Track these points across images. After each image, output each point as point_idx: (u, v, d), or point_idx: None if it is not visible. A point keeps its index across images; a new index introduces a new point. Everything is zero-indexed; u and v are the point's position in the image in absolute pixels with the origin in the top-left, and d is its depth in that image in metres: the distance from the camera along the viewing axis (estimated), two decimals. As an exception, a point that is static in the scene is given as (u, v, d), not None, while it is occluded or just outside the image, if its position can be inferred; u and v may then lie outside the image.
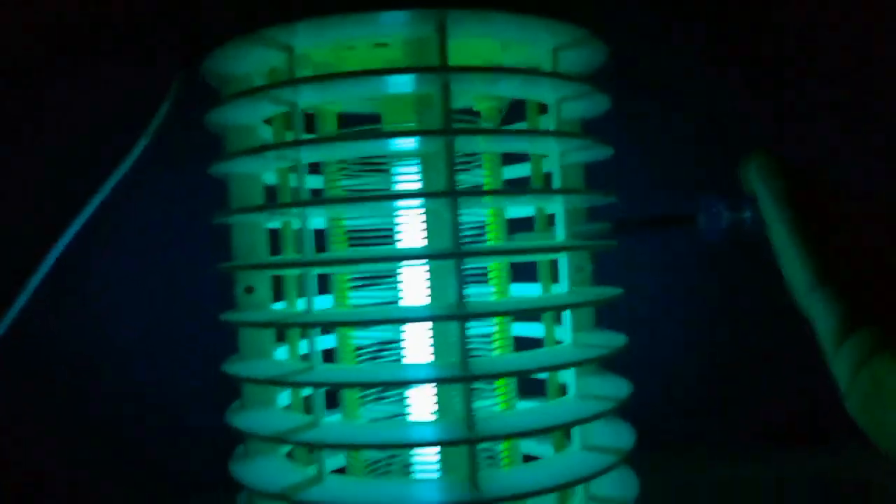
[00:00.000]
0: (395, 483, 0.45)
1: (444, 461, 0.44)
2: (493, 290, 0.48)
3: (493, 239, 0.48)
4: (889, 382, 0.31)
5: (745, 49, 0.70)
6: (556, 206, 0.46)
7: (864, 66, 0.69)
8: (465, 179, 0.47)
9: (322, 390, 0.43)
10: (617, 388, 0.46)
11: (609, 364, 0.49)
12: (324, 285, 0.47)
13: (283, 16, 0.40)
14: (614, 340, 0.46)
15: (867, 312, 0.33)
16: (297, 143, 0.42)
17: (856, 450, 0.56)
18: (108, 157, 0.55)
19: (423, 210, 0.44)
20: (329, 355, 0.48)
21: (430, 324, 0.44)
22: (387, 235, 0.46)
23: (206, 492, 0.61)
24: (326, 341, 0.48)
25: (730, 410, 0.72)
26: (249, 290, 0.47)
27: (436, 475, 0.44)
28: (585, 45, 0.44)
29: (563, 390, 0.47)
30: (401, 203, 0.45)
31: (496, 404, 0.48)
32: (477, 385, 0.42)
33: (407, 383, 0.45)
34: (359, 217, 0.47)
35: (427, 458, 0.45)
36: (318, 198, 0.47)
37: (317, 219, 0.47)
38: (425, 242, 0.43)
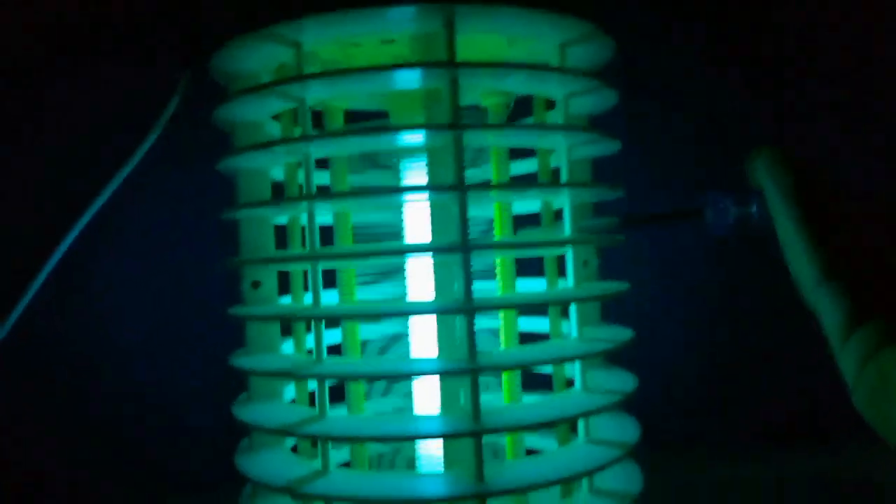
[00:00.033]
0: (401, 476, 0.45)
1: (449, 454, 0.44)
2: (500, 284, 0.48)
3: (499, 235, 0.48)
4: None
5: (745, 49, 0.71)
6: (563, 201, 0.46)
7: (864, 66, 0.69)
8: (472, 175, 0.47)
9: (328, 384, 0.43)
10: (623, 381, 0.46)
11: (613, 359, 0.49)
12: (329, 283, 0.47)
13: (290, 12, 0.40)
14: (620, 334, 0.46)
15: (874, 307, 0.33)
16: (306, 139, 0.42)
17: (856, 449, 0.57)
18: (108, 158, 0.55)
19: (429, 206, 0.44)
20: (335, 352, 0.48)
21: (436, 318, 0.44)
22: (393, 233, 0.46)
23: (207, 492, 0.61)
24: (332, 336, 0.48)
25: (730, 410, 0.72)
26: (256, 284, 0.47)
27: (441, 469, 0.44)
28: (593, 40, 0.44)
29: (568, 385, 0.47)
30: (408, 198, 0.45)
31: (501, 398, 0.48)
32: (482, 379, 0.42)
33: (414, 375, 0.45)
34: (366, 212, 0.47)
35: (432, 452, 0.45)
36: (327, 192, 0.47)
37: (324, 215, 0.47)
38: (431, 239, 0.43)
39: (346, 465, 0.49)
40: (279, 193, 0.48)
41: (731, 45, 0.71)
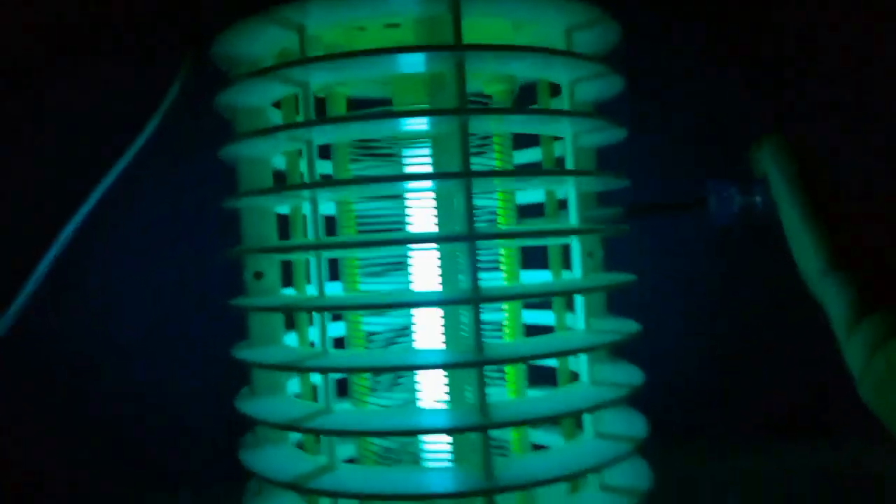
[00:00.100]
0: (408, 471, 0.45)
1: (457, 449, 0.43)
2: (504, 276, 0.48)
3: (503, 224, 0.48)
4: None
5: (745, 49, 0.70)
6: (568, 190, 0.46)
7: (864, 66, 0.69)
8: (477, 163, 0.46)
9: (333, 377, 0.43)
10: (630, 375, 0.46)
11: (617, 352, 0.49)
12: (333, 275, 0.47)
13: None
14: (627, 326, 0.46)
15: (881, 296, 0.33)
16: (309, 124, 0.41)
17: (859, 441, 0.57)
18: (108, 158, 0.55)
19: (433, 195, 0.43)
20: (339, 345, 0.48)
21: (441, 310, 0.44)
22: (397, 223, 0.46)
23: (207, 491, 0.61)
24: (336, 329, 0.48)
25: (732, 402, 0.72)
26: (259, 275, 0.47)
27: (448, 463, 0.44)
28: (599, 25, 0.44)
29: (574, 378, 0.47)
30: (412, 185, 0.44)
31: (507, 392, 0.47)
32: (488, 372, 0.41)
33: (421, 368, 0.44)
34: (370, 200, 0.47)
35: (439, 447, 0.45)
36: (329, 179, 0.47)
37: (327, 204, 0.47)
38: (436, 228, 0.43)
39: (352, 460, 0.49)
40: (281, 182, 0.48)
41: (731, 45, 0.70)
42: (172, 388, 0.65)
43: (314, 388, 0.47)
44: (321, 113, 0.46)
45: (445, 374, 0.43)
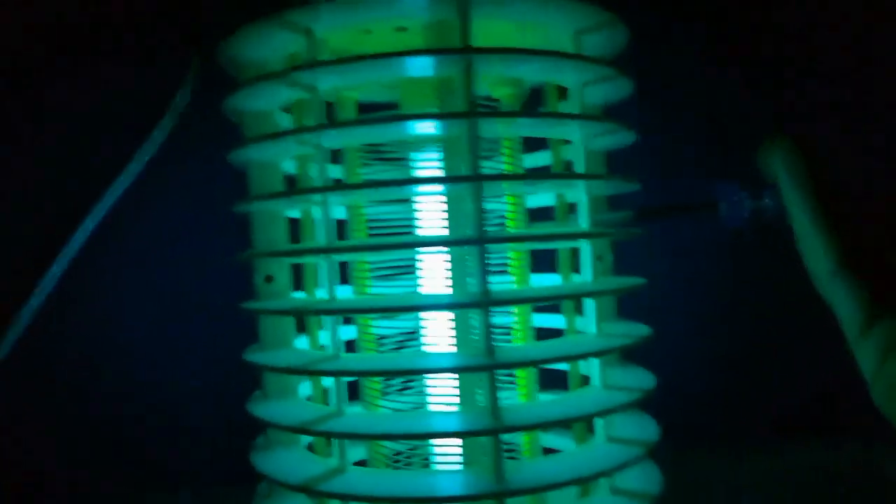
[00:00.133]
0: (419, 475, 0.45)
1: (467, 452, 0.43)
2: (513, 279, 0.48)
3: (513, 228, 0.48)
4: None
5: (745, 49, 0.71)
6: (578, 194, 0.46)
7: (864, 66, 0.69)
8: (486, 167, 0.46)
9: (345, 380, 0.43)
10: (641, 379, 0.46)
11: (627, 355, 0.49)
12: (343, 278, 0.47)
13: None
14: (638, 330, 0.46)
15: (893, 299, 0.33)
16: (319, 128, 0.41)
17: (870, 443, 0.57)
18: (108, 158, 0.56)
19: (444, 198, 0.43)
20: (349, 347, 0.48)
21: (452, 313, 0.44)
22: (406, 226, 0.46)
23: (207, 491, 0.61)
24: (347, 332, 0.48)
25: (742, 403, 0.72)
26: (269, 279, 0.47)
27: (458, 467, 0.44)
28: (608, 28, 0.44)
29: (585, 382, 0.47)
30: (422, 189, 0.44)
31: (518, 395, 0.48)
32: (499, 375, 0.41)
33: (432, 371, 0.44)
34: (379, 204, 0.47)
35: (449, 450, 0.45)
36: (340, 183, 0.47)
37: (337, 208, 0.47)
38: (446, 232, 0.43)
39: (362, 462, 0.49)
40: (292, 187, 0.48)
41: (731, 45, 0.70)
42: (172, 388, 0.65)
43: (325, 391, 0.48)
44: (331, 118, 0.47)
45: (456, 377, 0.43)
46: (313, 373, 0.45)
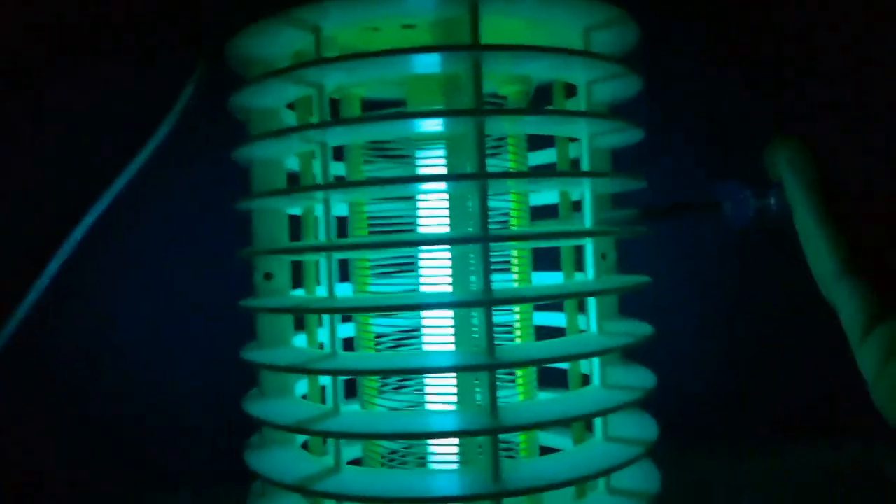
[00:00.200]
0: (415, 474, 0.44)
1: (464, 451, 0.43)
2: (515, 278, 0.48)
3: (516, 226, 0.48)
4: None
5: (745, 49, 0.71)
6: (584, 191, 0.45)
7: (864, 66, 0.69)
8: (491, 165, 0.46)
9: (341, 379, 0.43)
10: (641, 378, 0.46)
11: (630, 354, 0.49)
12: (342, 276, 0.47)
13: None
14: (640, 329, 0.46)
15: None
16: (323, 125, 0.41)
17: (875, 444, 0.57)
18: (108, 158, 0.55)
19: (446, 196, 0.43)
20: (348, 346, 0.47)
21: (452, 311, 0.43)
22: (408, 223, 0.46)
23: (207, 491, 0.61)
24: (345, 330, 0.48)
25: (747, 404, 0.72)
26: (269, 276, 0.47)
27: (455, 466, 0.44)
28: (617, 25, 0.44)
29: (584, 381, 0.47)
30: (426, 186, 0.44)
31: (517, 394, 0.47)
32: (498, 374, 0.41)
33: (432, 371, 0.44)
34: (381, 202, 0.47)
35: (446, 449, 0.45)
36: (343, 180, 0.47)
37: (339, 205, 0.47)
38: (447, 229, 0.43)
39: (358, 461, 0.48)
40: (294, 184, 0.48)
41: (731, 45, 0.70)
42: (172, 388, 0.65)
43: (323, 389, 0.47)
44: (335, 114, 0.46)
45: (455, 376, 0.43)
46: (310, 371, 0.45)
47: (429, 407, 0.46)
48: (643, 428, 0.46)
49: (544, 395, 0.49)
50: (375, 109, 0.48)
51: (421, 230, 0.46)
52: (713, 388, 0.70)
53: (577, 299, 0.48)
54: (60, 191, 0.60)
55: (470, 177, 0.40)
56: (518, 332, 0.47)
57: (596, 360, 0.46)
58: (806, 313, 0.36)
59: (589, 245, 0.46)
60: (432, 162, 0.45)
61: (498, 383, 0.41)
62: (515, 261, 0.48)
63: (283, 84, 0.42)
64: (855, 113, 0.69)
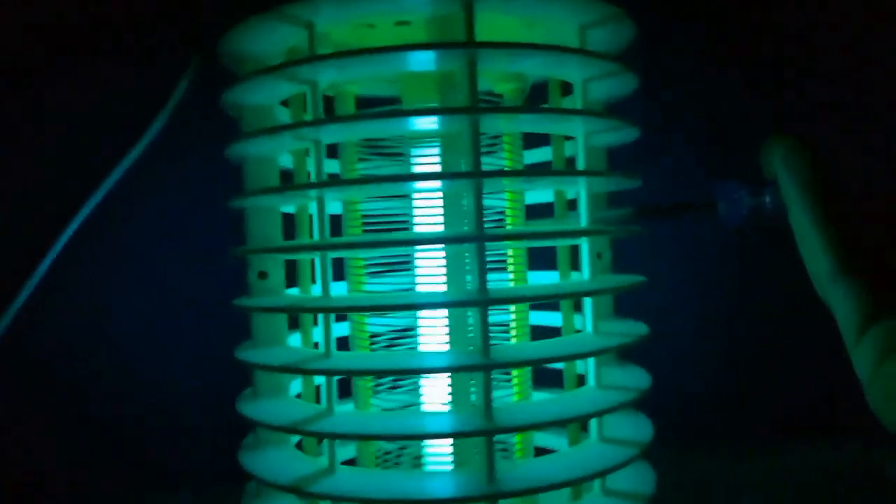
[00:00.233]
0: (410, 475, 0.44)
1: (459, 453, 0.43)
2: (511, 277, 0.48)
3: (511, 225, 0.47)
4: None
5: (745, 49, 0.70)
6: (580, 190, 0.45)
7: (864, 66, 0.69)
8: (486, 163, 0.46)
9: (335, 379, 0.43)
10: (637, 378, 0.46)
11: (627, 354, 0.49)
12: (337, 274, 0.47)
13: None
14: (636, 329, 0.46)
15: (892, 302, 0.33)
16: (317, 123, 0.41)
17: (875, 443, 0.57)
18: (108, 158, 0.55)
19: (440, 195, 0.43)
20: (343, 344, 0.47)
21: (447, 311, 0.43)
22: (403, 222, 0.46)
23: (207, 491, 0.61)
24: (340, 329, 0.48)
25: (747, 404, 0.72)
26: (263, 275, 0.46)
27: (449, 467, 0.44)
28: (613, 23, 0.44)
29: (579, 381, 0.47)
30: (420, 185, 0.44)
31: (512, 395, 0.47)
32: (493, 374, 0.41)
33: (426, 371, 0.44)
34: (375, 200, 0.46)
35: (440, 450, 0.45)
36: (337, 179, 0.47)
37: (333, 203, 0.47)
38: (443, 228, 0.43)
39: (352, 461, 0.48)
40: (288, 182, 0.47)
41: (731, 45, 0.70)
42: (172, 388, 0.65)
43: (317, 389, 0.47)
44: (329, 111, 0.46)
45: (450, 376, 0.43)
46: (304, 372, 0.45)
47: (424, 407, 0.45)
48: (638, 429, 0.46)
49: (539, 395, 0.48)
50: (370, 106, 0.48)
51: (416, 229, 0.45)
52: (713, 388, 0.70)
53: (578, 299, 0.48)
54: (60, 191, 0.60)
55: (464, 175, 0.40)
56: (514, 332, 0.47)
57: (591, 361, 0.45)
58: (806, 313, 0.36)
59: (584, 244, 0.45)
60: (427, 160, 0.45)
61: (493, 383, 0.41)
62: (511, 260, 0.48)
63: (276, 81, 0.42)
64: (855, 113, 0.69)
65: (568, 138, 0.48)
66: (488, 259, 0.41)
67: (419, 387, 0.46)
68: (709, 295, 0.71)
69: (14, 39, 0.60)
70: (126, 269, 0.64)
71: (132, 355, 0.65)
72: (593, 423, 0.45)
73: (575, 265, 0.47)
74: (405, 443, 0.47)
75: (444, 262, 0.43)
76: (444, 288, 0.43)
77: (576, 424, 0.46)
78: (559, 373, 0.48)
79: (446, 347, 0.44)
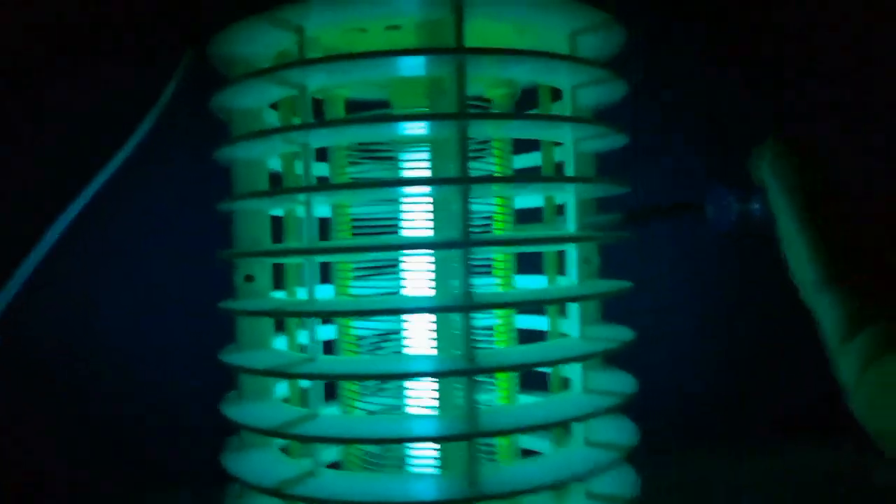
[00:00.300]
0: (393, 478, 0.44)
1: (444, 455, 0.43)
2: (498, 281, 0.47)
3: (500, 230, 0.47)
4: None
5: (745, 49, 0.70)
6: (568, 196, 0.45)
7: (864, 66, 0.69)
8: (475, 168, 0.46)
9: (321, 382, 0.43)
10: (622, 383, 0.46)
11: (617, 358, 0.49)
12: (325, 277, 0.47)
13: None
14: (622, 334, 0.46)
15: (876, 310, 0.33)
16: (306, 127, 0.41)
17: (874, 445, 0.57)
18: (103, 156, 0.55)
19: (429, 199, 0.43)
20: (328, 347, 0.47)
21: (433, 315, 0.43)
22: (391, 225, 0.45)
23: (206, 491, 0.61)
24: (326, 332, 0.48)
25: (745, 404, 0.72)
26: (249, 278, 0.46)
27: (433, 470, 0.44)
28: (604, 29, 0.44)
29: (565, 385, 0.47)
30: (409, 190, 0.44)
31: (497, 398, 0.47)
32: (479, 378, 0.41)
33: (412, 376, 0.44)
34: (364, 205, 0.46)
35: (424, 453, 0.45)
36: (326, 183, 0.47)
37: (321, 207, 0.47)
38: (431, 232, 0.43)
39: (336, 464, 0.48)
40: (277, 185, 0.47)
41: (731, 45, 0.70)
42: (172, 388, 0.65)
43: (302, 392, 0.47)
44: (319, 115, 0.46)
45: (435, 380, 0.43)
46: (289, 376, 0.45)
47: (409, 410, 0.45)
48: (621, 432, 0.46)
49: (525, 399, 0.48)
50: (360, 110, 0.48)
51: (404, 233, 0.45)
52: (713, 388, 0.70)
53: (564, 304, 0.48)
54: (60, 190, 0.59)
55: (452, 181, 0.40)
56: (499, 336, 0.47)
57: (577, 365, 0.45)
58: (806, 313, 0.36)
59: (572, 250, 0.45)
60: (416, 165, 0.45)
61: (479, 386, 0.41)
62: (498, 264, 0.48)
63: (266, 85, 0.42)
64: (855, 113, 0.69)
65: (557, 144, 0.48)
66: (476, 262, 0.41)
67: (405, 391, 0.46)
68: (708, 295, 0.71)
69: (14, 39, 0.60)
70: (127, 270, 0.64)
71: (132, 355, 0.65)
72: (578, 426, 0.45)
73: (562, 269, 0.47)
74: (390, 446, 0.46)
75: (431, 265, 0.43)
76: (431, 291, 0.43)
77: (561, 428, 0.46)
78: (546, 375, 0.48)
79: (433, 350, 0.43)
